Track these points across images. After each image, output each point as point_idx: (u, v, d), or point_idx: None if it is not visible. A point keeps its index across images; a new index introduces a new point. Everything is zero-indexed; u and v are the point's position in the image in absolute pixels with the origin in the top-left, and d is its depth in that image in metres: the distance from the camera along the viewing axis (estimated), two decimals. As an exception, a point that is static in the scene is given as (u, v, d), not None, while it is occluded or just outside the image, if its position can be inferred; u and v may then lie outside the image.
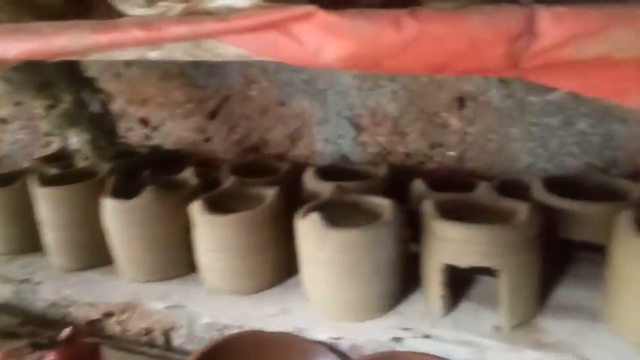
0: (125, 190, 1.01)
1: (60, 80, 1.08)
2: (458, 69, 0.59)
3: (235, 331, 0.89)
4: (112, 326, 1.01)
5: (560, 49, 0.54)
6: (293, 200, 0.99)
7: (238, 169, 1.13)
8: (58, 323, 1.01)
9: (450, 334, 0.82)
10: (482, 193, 0.91)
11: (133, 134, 1.42)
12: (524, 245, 0.77)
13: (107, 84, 1.35)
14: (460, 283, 0.91)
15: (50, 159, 1.30)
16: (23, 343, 0.89)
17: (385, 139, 1.19)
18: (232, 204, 0.96)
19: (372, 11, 0.59)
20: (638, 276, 0.72)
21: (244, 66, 1.24)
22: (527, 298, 0.82)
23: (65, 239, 1.06)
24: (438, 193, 0.95)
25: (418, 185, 0.99)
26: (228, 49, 0.66)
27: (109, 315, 1.00)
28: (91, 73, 1.23)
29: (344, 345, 0.84)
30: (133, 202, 0.96)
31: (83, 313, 1.02)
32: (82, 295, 1.02)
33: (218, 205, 0.95)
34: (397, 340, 0.82)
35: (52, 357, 0.82)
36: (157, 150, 1.35)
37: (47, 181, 1.07)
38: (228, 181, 1.03)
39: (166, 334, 0.97)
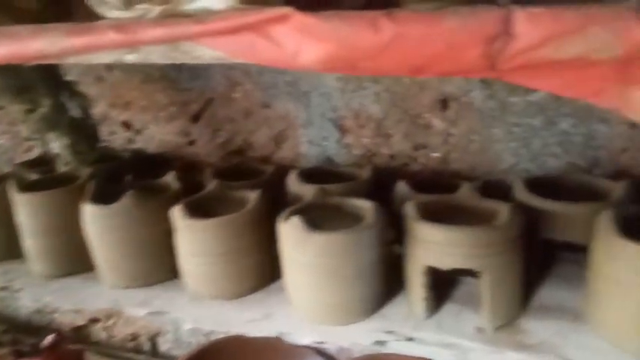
0: (106, 195, 0.99)
1: (39, 84, 1.06)
2: (436, 71, 0.59)
3: (221, 336, 0.88)
4: (98, 332, 1.00)
5: (536, 50, 0.54)
6: (277, 203, 0.98)
7: (222, 173, 1.12)
8: (43, 330, 0.99)
9: (432, 336, 0.81)
10: (465, 194, 0.91)
11: (115, 138, 1.40)
12: (506, 246, 0.77)
13: (89, 87, 1.33)
14: (444, 285, 0.90)
15: (31, 164, 1.28)
16: (5, 351, 0.87)
17: (369, 141, 1.19)
18: (215, 208, 0.95)
19: (348, 13, 0.59)
20: (617, 276, 0.73)
21: (227, 68, 1.23)
22: (510, 299, 0.82)
23: (45, 246, 1.05)
24: (422, 194, 0.95)
25: (402, 187, 0.99)
26: (205, 52, 0.66)
27: (94, 321, 0.99)
28: (72, 76, 1.22)
29: (327, 349, 0.83)
30: (113, 207, 0.95)
31: (68, 320, 1.00)
32: (63, 303, 1.00)
33: (200, 209, 0.94)
34: (380, 343, 0.81)
35: (35, 364, 0.81)
36: (139, 154, 1.34)
37: (26, 187, 1.05)
38: (211, 185, 1.02)
39: (152, 339, 0.96)
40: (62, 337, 0.88)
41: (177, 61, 0.68)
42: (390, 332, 0.83)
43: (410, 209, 0.83)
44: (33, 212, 1.02)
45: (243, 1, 0.65)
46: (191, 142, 1.35)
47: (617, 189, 0.88)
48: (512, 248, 0.78)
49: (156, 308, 0.95)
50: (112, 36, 0.68)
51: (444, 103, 1.09)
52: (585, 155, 1.04)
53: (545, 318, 0.83)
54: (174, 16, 0.67)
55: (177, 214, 0.92)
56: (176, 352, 0.93)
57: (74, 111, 1.12)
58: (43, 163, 1.24)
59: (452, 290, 0.92)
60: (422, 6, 0.59)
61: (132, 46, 0.69)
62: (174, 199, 0.97)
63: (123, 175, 1.11)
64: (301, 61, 0.61)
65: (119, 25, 0.68)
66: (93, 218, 0.96)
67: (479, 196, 0.90)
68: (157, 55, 0.69)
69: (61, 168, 1.15)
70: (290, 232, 0.83)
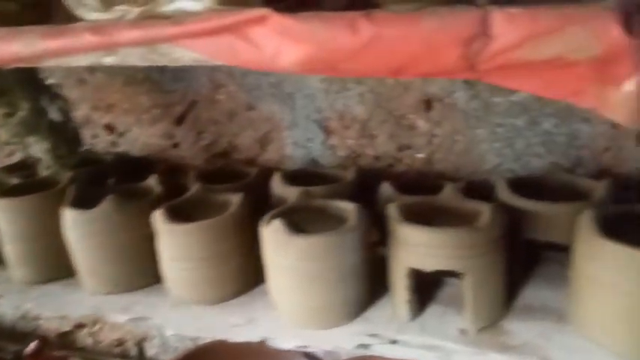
0: (87, 200, 0.98)
1: (17, 87, 1.04)
2: (415, 72, 0.59)
3: (206, 341, 0.87)
4: (84, 338, 0.98)
5: (514, 51, 0.53)
6: (261, 206, 0.97)
7: (207, 175, 1.11)
8: (28, 337, 0.98)
9: (416, 339, 0.81)
10: (448, 195, 0.90)
11: (98, 141, 1.39)
12: (488, 247, 0.77)
13: (71, 90, 1.31)
14: (428, 286, 0.90)
15: (12, 168, 1.26)
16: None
17: (354, 142, 1.18)
18: (197, 211, 0.94)
19: (327, 14, 0.59)
20: (599, 276, 0.73)
21: (211, 70, 1.22)
22: (493, 300, 0.81)
23: (24, 251, 1.03)
24: (407, 195, 0.95)
25: (386, 188, 0.98)
26: (184, 54, 0.65)
27: (80, 327, 0.98)
28: (54, 79, 1.20)
29: (314, 352, 0.83)
30: (93, 212, 0.93)
31: (54, 326, 0.99)
32: (43, 309, 0.98)
33: (182, 213, 0.92)
34: (364, 346, 0.81)
35: (17, 371, 0.80)
36: (123, 157, 1.32)
37: (6, 192, 1.03)
38: (193, 188, 1.01)
39: (139, 344, 0.95)
40: (46, 343, 0.87)
41: (156, 64, 0.67)
42: (373, 335, 0.82)
43: (392, 211, 0.83)
44: (12, 218, 1.00)
45: (221, 3, 0.64)
46: (175, 145, 1.34)
47: (599, 188, 0.88)
48: (495, 249, 0.78)
49: (138, 314, 0.93)
50: (88, 38, 0.67)
51: (427, 104, 1.09)
52: (568, 155, 1.04)
53: (528, 319, 0.83)
54: (152, 17, 0.66)
55: (158, 218, 0.90)
56: (163, 357, 0.92)
57: (55, 114, 1.10)
58: (25, 167, 1.22)
59: (436, 291, 0.91)
60: (401, 7, 0.59)
61: (109, 48, 0.68)
62: (156, 203, 0.95)
63: (106, 179, 1.10)
64: (281, 62, 0.60)
65: (95, 27, 0.67)
66: (73, 223, 0.95)
67: (462, 197, 0.89)
68: (135, 58, 0.68)
69: (43, 172, 1.14)
70: (272, 236, 0.82)
